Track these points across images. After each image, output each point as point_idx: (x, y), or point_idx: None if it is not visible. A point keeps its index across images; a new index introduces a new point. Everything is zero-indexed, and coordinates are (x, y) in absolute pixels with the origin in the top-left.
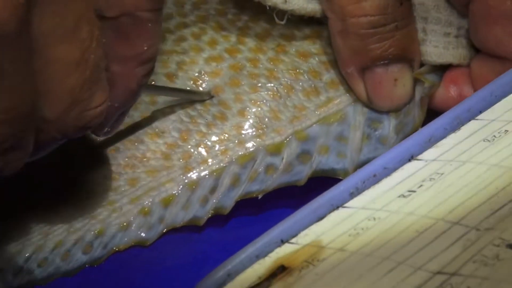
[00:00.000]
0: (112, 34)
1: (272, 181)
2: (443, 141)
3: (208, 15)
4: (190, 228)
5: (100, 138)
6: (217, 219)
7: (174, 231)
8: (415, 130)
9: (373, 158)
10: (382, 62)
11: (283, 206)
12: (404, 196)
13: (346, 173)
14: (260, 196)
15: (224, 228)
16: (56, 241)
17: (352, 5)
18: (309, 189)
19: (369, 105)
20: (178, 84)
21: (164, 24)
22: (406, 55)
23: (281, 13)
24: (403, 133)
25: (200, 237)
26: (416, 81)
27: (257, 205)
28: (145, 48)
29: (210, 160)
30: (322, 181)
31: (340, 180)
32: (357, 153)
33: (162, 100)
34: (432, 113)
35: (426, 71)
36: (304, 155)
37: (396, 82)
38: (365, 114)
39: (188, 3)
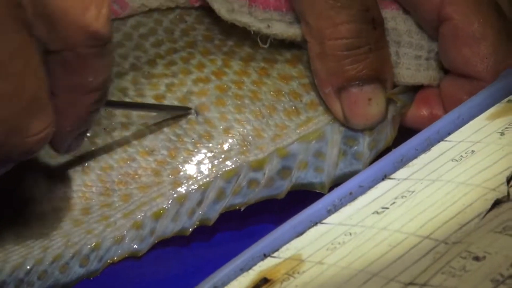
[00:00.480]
0: (57, 66)
1: (254, 195)
2: (414, 161)
3: (196, 41)
4: (180, 242)
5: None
6: (204, 234)
7: (164, 245)
8: (387, 146)
9: (349, 172)
10: (356, 83)
11: (265, 220)
12: (378, 213)
13: (323, 187)
14: (242, 208)
15: (210, 242)
16: (55, 255)
17: (330, 28)
18: (288, 202)
19: (345, 123)
20: (166, 103)
21: (155, 49)
22: (379, 76)
23: (265, 37)
24: (376, 149)
25: (189, 251)
26: (389, 100)
27: (241, 219)
28: (91, 79)
29: (197, 176)
30: (301, 194)
31: (317, 193)
32: (334, 168)
33: (152, 120)
34: (404, 131)
35: (399, 92)
36: (284, 171)
37: (370, 101)
38: (341, 133)
39: (177, 30)
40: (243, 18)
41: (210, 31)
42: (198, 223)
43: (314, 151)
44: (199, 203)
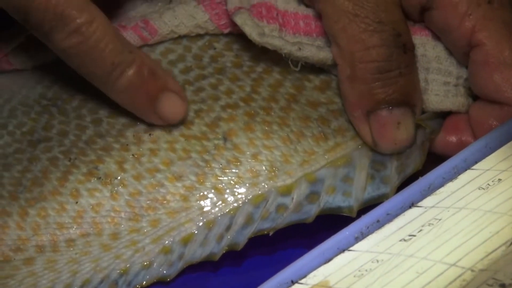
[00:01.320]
0: None
1: (283, 219)
2: (441, 189)
3: (225, 67)
4: (208, 268)
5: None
6: (233, 259)
7: (192, 270)
8: (416, 170)
9: (377, 196)
10: (386, 106)
11: (295, 244)
12: (405, 240)
13: (351, 210)
14: (271, 233)
15: (239, 268)
16: (83, 279)
17: (361, 51)
18: (317, 226)
19: (374, 147)
20: (194, 130)
21: (183, 76)
22: (409, 101)
23: (295, 61)
24: (404, 174)
25: (217, 276)
26: (418, 126)
27: (270, 244)
28: None
29: (225, 201)
30: (331, 218)
31: (345, 216)
32: (362, 192)
33: (180, 146)
34: (433, 157)
35: (427, 118)
36: (312, 195)
37: (399, 125)
38: (369, 157)
39: (206, 56)
40: (275, 41)
41: (239, 57)
42: (226, 248)
43: (342, 176)
44: (228, 228)
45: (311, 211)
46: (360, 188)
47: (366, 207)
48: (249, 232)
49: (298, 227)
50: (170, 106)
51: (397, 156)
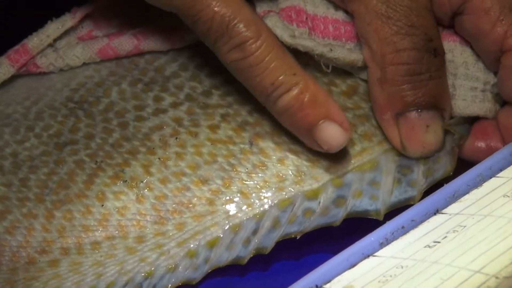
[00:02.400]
0: None
1: (310, 223)
2: (466, 196)
3: None
4: (233, 272)
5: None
6: (260, 263)
7: (220, 275)
8: (446, 176)
9: (404, 199)
10: (415, 109)
11: (322, 248)
12: (429, 246)
13: (378, 214)
14: (298, 237)
15: (266, 272)
16: (108, 282)
17: (392, 54)
18: (344, 230)
19: (402, 151)
20: (220, 134)
21: (210, 80)
22: (438, 104)
23: (326, 64)
24: (432, 178)
25: (243, 281)
26: (446, 132)
27: (297, 248)
28: None
29: (251, 205)
30: (356, 223)
31: (372, 219)
32: (388, 196)
33: (207, 150)
34: (460, 163)
35: (455, 123)
36: (339, 199)
37: (428, 128)
38: (396, 162)
39: None
40: (306, 42)
41: None
42: (254, 251)
43: (368, 180)
44: (255, 232)
45: (338, 214)
46: (387, 191)
47: (392, 211)
48: (277, 235)
49: (324, 232)
50: (330, 136)
51: (424, 161)
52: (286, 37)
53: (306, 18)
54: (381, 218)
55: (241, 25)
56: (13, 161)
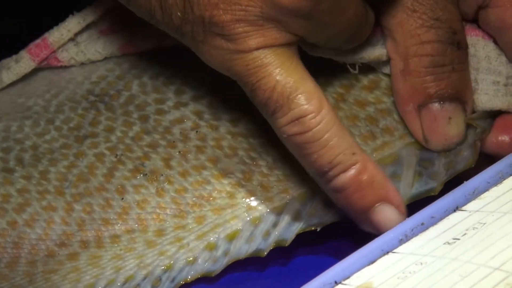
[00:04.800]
0: None
1: (331, 216)
2: (486, 193)
3: None
4: (254, 266)
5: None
6: (280, 257)
7: (239, 269)
8: (468, 168)
9: (425, 191)
10: (437, 100)
11: (344, 240)
12: (449, 243)
13: None
14: (318, 229)
15: (286, 266)
16: (127, 276)
17: (416, 45)
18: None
19: (424, 143)
20: (241, 127)
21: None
22: (460, 97)
23: (352, 64)
24: (454, 170)
25: (263, 275)
26: (468, 126)
27: (318, 240)
28: None
29: (271, 198)
30: None
31: None
32: (409, 188)
33: (227, 143)
34: (483, 157)
35: (477, 117)
36: None
37: (450, 120)
38: (417, 156)
39: None
40: (328, 55)
41: None
42: (274, 244)
43: (389, 173)
44: (275, 224)
45: None
46: (408, 184)
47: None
48: (297, 228)
49: (346, 226)
50: (386, 219)
51: (445, 154)
52: (307, 49)
53: None
54: None
55: (302, 97)
56: (33, 153)
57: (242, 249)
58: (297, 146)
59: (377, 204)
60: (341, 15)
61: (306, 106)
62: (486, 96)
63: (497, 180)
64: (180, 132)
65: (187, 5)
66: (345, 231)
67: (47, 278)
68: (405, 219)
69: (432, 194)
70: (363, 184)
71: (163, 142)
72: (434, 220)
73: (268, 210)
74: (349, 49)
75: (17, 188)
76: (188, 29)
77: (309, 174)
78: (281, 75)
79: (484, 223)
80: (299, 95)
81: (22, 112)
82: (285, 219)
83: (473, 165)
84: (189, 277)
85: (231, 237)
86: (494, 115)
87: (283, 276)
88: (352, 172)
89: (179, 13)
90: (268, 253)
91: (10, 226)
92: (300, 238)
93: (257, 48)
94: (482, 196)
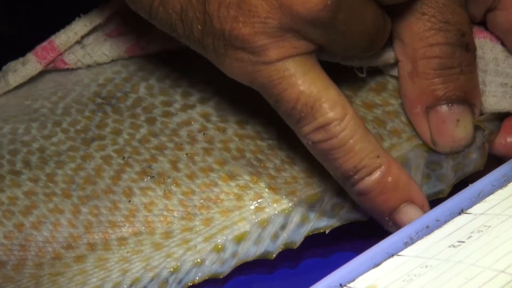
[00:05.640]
0: None
1: (339, 218)
2: (491, 196)
3: None
4: (262, 269)
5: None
6: (289, 260)
7: (247, 271)
8: (477, 170)
9: (433, 193)
10: (446, 102)
11: (354, 242)
12: (454, 246)
13: None
14: (327, 231)
15: (295, 268)
16: (133, 278)
17: (424, 48)
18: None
19: (432, 146)
20: (248, 129)
21: None
22: (468, 99)
23: (360, 68)
24: (462, 172)
25: (272, 277)
26: (476, 128)
27: (327, 243)
28: None
29: (279, 200)
30: None
31: None
32: None
33: (234, 146)
34: (491, 159)
35: (486, 119)
36: None
37: (458, 122)
38: (425, 158)
39: None
40: (334, 59)
41: None
42: (283, 246)
43: None
44: (283, 226)
45: None
46: None
47: None
48: (305, 230)
49: (354, 229)
50: (411, 219)
51: (453, 157)
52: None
53: None
54: None
55: (326, 106)
56: (40, 156)
57: (250, 251)
58: (322, 152)
59: (402, 205)
60: (359, 24)
61: (330, 115)
62: (494, 98)
63: (502, 183)
64: (188, 134)
65: (207, 19)
66: (355, 233)
67: (53, 280)
68: None
69: (441, 196)
70: (388, 186)
71: (170, 145)
72: (439, 223)
73: (276, 212)
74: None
75: (24, 191)
76: (209, 42)
77: (334, 177)
78: (304, 85)
79: (489, 226)
80: (323, 104)
81: (29, 114)
82: (294, 221)
83: (482, 168)
84: (197, 278)
85: (239, 239)
86: (502, 117)
87: (291, 278)
88: (377, 175)
89: (199, 26)
90: (277, 256)
91: (16, 229)
92: (309, 240)
93: (279, 59)
94: (487, 199)
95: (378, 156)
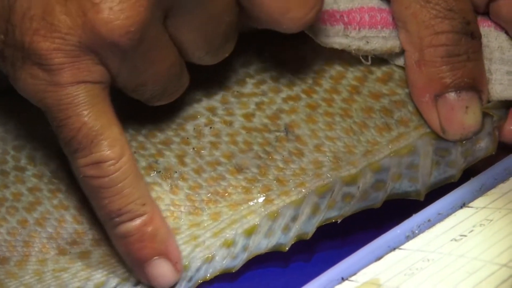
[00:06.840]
0: None
1: (350, 207)
2: (493, 190)
3: (286, 60)
4: (276, 262)
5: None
6: (302, 252)
7: (261, 264)
8: (486, 156)
9: (444, 178)
10: (454, 90)
11: (366, 230)
12: (456, 240)
13: (419, 194)
14: (339, 221)
15: (308, 261)
16: None
17: (430, 36)
18: (389, 209)
19: (441, 134)
20: (255, 122)
21: (244, 69)
22: (476, 85)
23: (365, 56)
24: (472, 157)
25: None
26: (485, 115)
27: (339, 232)
28: None
29: (288, 192)
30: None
31: (413, 200)
32: (428, 177)
33: (242, 139)
34: (500, 146)
35: (493, 107)
36: (378, 184)
37: (467, 109)
38: (433, 145)
39: (266, 49)
40: (341, 40)
41: (300, 50)
42: (295, 238)
43: (406, 164)
44: (294, 218)
45: (378, 197)
46: (426, 173)
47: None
48: (317, 221)
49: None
50: (160, 274)
51: (461, 143)
52: (321, 37)
53: (340, 16)
54: (421, 198)
55: (106, 143)
56: (45, 152)
57: (261, 243)
58: (91, 188)
59: (156, 258)
60: (154, 66)
61: (107, 153)
62: (501, 86)
63: (504, 176)
64: (194, 128)
65: (9, 28)
66: (369, 223)
67: (56, 276)
68: (180, 277)
69: (452, 180)
70: (146, 235)
71: (176, 139)
72: (441, 217)
73: (286, 204)
74: (361, 40)
75: (28, 187)
76: (10, 53)
77: (97, 214)
78: (89, 117)
79: (491, 220)
80: (103, 141)
81: (34, 112)
82: (305, 212)
83: (494, 152)
84: (208, 275)
85: (249, 232)
86: (508, 104)
87: (306, 270)
88: (138, 222)
89: (2, 36)
90: (290, 248)
91: (20, 225)
92: (322, 231)
93: (72, 83)
94: (489, 192)
95: (144, 204)
